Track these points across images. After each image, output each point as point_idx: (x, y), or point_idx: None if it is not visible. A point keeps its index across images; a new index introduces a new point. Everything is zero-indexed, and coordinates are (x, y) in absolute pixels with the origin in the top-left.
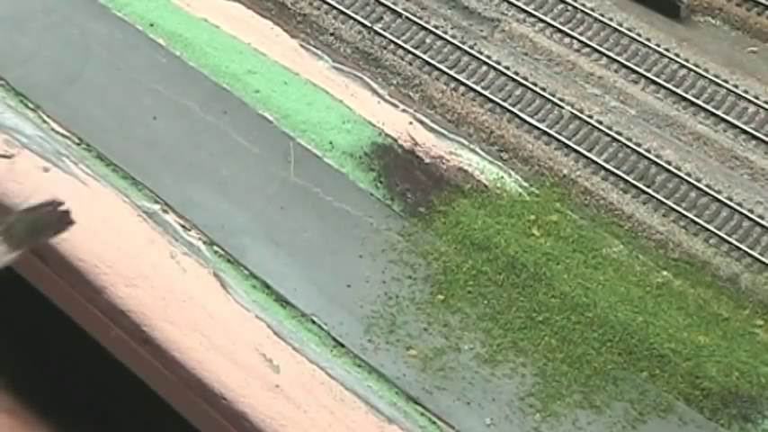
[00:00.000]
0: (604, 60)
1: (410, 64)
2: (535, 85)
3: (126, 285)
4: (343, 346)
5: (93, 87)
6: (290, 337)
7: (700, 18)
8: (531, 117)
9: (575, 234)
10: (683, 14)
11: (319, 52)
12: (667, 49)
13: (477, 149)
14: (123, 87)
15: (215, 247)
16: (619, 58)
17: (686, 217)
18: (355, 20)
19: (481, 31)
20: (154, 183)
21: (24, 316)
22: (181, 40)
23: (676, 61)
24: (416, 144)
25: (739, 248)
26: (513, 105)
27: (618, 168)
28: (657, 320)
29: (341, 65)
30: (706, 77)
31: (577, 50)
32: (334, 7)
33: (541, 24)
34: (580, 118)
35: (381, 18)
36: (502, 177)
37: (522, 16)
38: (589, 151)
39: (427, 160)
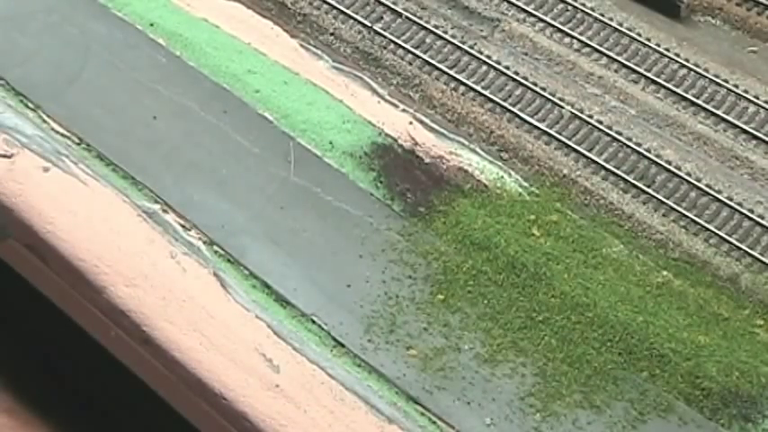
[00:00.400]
0: (604, 60)
1: (410, 64)
2: (535, 84)
3: (126, 285)
4: (343, 346)
5: (93, 87)
6: (290, 337)
7: (700, 18)
8: (531, 117)
9: (575, 234)
10: (683, 14)
11: (319, 52)
12: (667, 49)
13: (477, 149)
14: (123, 87)
15: (215, 247)
16: (619, 58)
17: (686, 217)
18: (355, 20)
19: (481, 31)
20: (154, 182)
21: (24, 316)
22: (181, 40)
23: (676, 61)
24: (416, 144)
25: (739, 248)
26: (513, 105)
27: (618, 168)
28: (657, 320)
29: (341, 65)
30: (706, 77)
31: (577, 50)
32: (334, 7)
33: (541, 24)
34: (580, 118)
35: (381, 18)
36: (502, 177)
37: (522, 16)
38: (589, 151)
39: (427, 160)
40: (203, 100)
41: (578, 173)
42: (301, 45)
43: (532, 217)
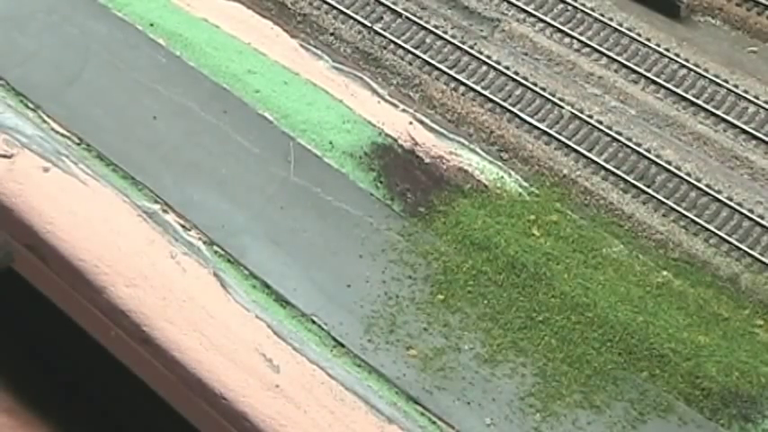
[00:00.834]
0: (604, 60)
1: (410, 64)
2: (535, 85)
3: (126, 285)
4: (343, 346)
5: (93, 87)
6: (290, 337)
7: (700, 18)
8: (531, 117)
9: (575, 234)
10: (683, 14)
11: (319, 52)
12: (667, 49)
13: (477, 149)
14: (123, 87)
15: (215, 247)
16: (619, 58)
17: (686, 217)
18: (355, 20)
19: (481, 31)
20: (154, 183)
21: (24, 316)
22: (181, 40)
23: (676, 61)
24: (416, 144)
25: (739, 248)
26: (513, 105)
27: (618, 168)
28: (657, 320)
29: (341, 65)
30: (706, 77)
31: (577, 50)
32: (334, 7)
33: (541, 24)
34: (580, 118)
35: (381, 18)
36: (502, 177)
37: (522, 16)
38: (589, 151)
39: (427, 160)
40: (203, 100)
41: (578, 173)
42: (301, 45)
43: (532, 217)
